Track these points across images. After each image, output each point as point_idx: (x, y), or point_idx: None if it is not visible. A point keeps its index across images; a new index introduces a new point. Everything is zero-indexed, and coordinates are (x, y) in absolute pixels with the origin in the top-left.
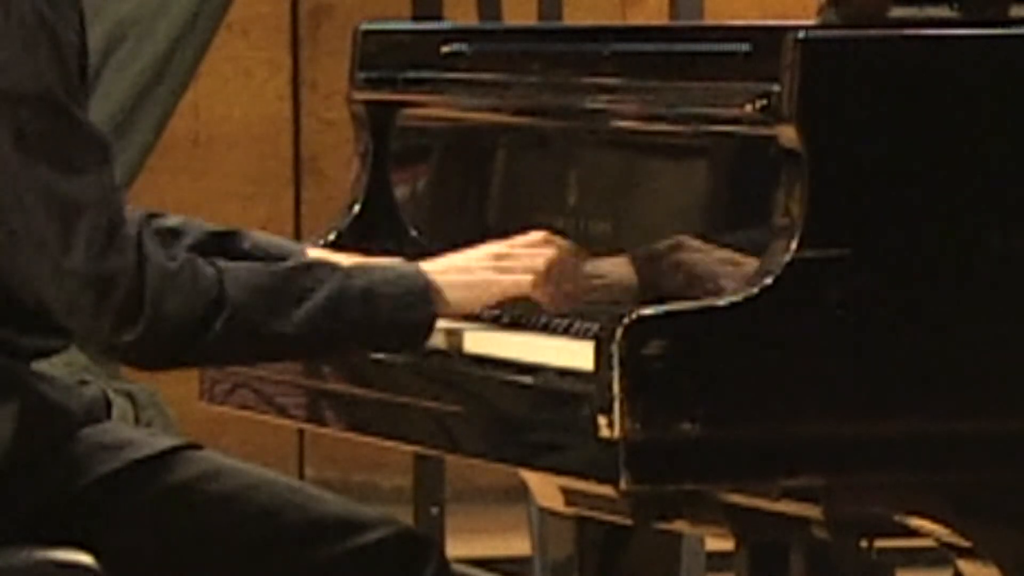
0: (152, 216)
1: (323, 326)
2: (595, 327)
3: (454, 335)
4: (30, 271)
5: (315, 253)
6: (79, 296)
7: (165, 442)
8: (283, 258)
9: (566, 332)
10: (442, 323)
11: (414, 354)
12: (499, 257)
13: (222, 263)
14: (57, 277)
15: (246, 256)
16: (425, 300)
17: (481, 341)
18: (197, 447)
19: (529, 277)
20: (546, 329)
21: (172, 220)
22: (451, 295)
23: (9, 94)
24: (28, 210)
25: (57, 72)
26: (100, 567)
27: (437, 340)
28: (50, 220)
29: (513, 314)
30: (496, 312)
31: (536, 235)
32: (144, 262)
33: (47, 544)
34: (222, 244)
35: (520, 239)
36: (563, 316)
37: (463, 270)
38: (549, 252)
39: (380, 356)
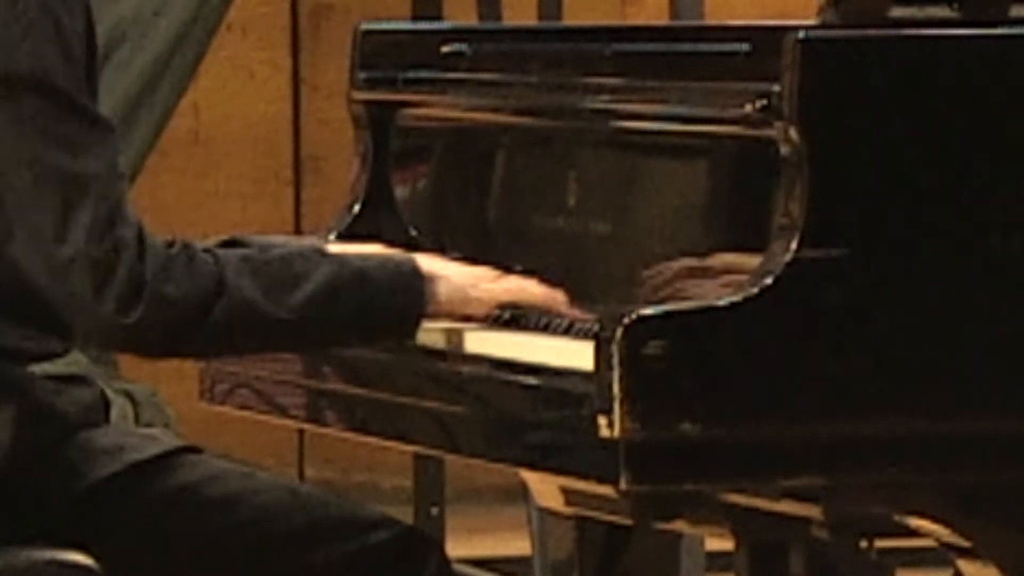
0: None
1: (320, 311)
2: (595, 327)
3: (454, 335)
4: (27, 264)
5: (334, 248)
6: (80, 282)
7: (164, 445)
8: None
9: (566, 332)
10: (442, 323)
11: (407, 348)
12: (498, 276)
13: (219, 251)
14: (55, 268)
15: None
16: (416, 284)
17: (481, 341)
18: (197, 450)
19: (520, 282)
20: (546, 329)
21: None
22: (442, 287)
23: (8, 78)
24: (25, 194)
25: (60, 59)
26: (100, 568)
27: (437, 340)
28: (49, 203)
29: (513, 314)
30: (496, 312)
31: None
32: (144, 246)
33: (47, 545)
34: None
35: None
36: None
37: (457, 271)
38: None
39: (381, 355)
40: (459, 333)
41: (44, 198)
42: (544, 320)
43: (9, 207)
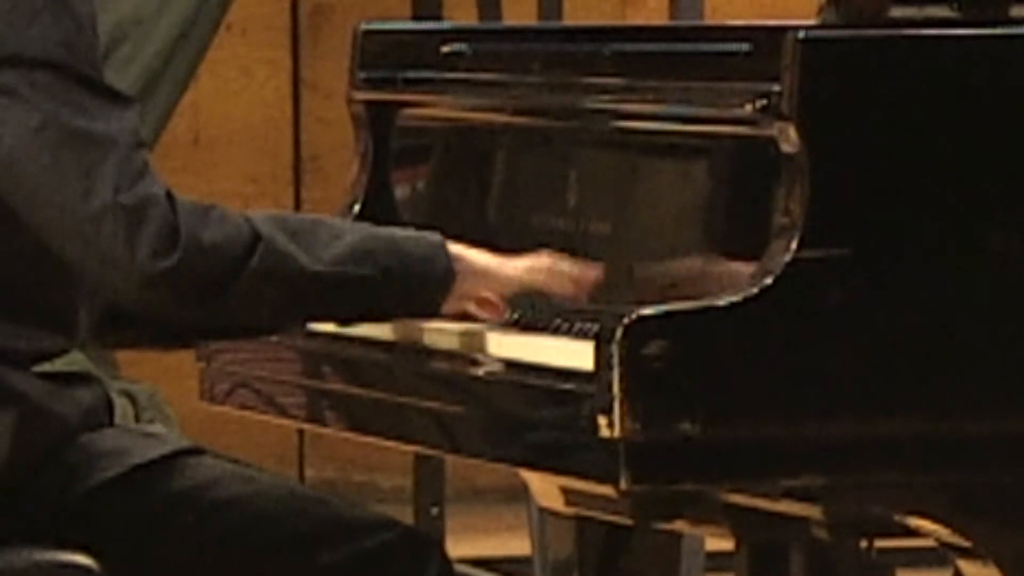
0: None
1: (355, 267)
2: (595, 327)
3: (454, 335)
4: (52, 231)
5: None
6: (112, 233)
7: (167, 447)
8: None
9: (566, 332)
10: (442, 323)
11: (411, 347)
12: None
13: (249, 213)
14: (85, 224)
15: None
16: (442, 255)
17: (481, 341)
18: (199, 451)
19: (547, 262)
20: (546, 329)
21: None
22: (464, 266)
23: (22, 59)
24: (45, 161)
25: (73, 40)
26: (102, 570)
27: (438, 340)
28: (71, 164)
29: (514, 314)
30: (512, 313)
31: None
32: (175, 201)
33: (48, 546)
34: None
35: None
36: (568, 316)
37: (481, 254)
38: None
39: (381, 355)
40: (459, 333)
41: (65, 160)
42: (544, 320)
43: (30, 179)
